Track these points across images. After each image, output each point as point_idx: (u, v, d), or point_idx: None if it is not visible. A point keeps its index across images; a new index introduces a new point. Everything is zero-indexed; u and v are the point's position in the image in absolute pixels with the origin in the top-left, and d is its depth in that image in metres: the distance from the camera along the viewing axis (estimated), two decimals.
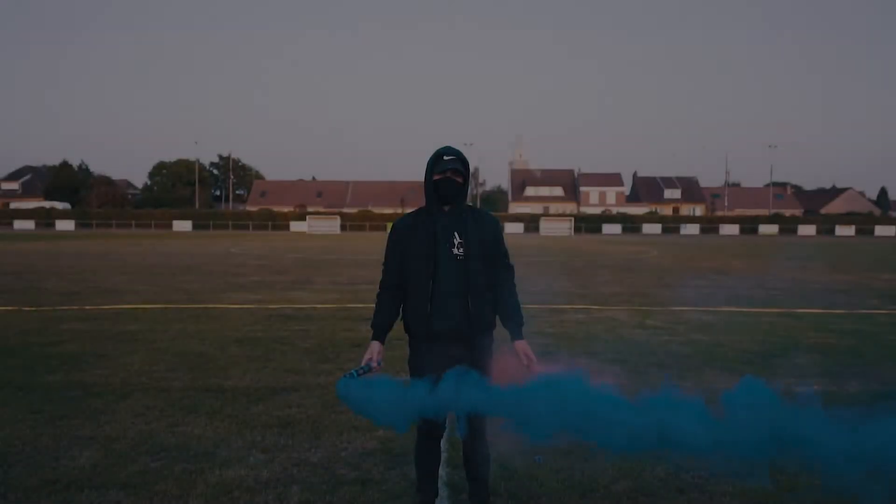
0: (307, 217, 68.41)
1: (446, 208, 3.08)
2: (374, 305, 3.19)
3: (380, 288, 3.17)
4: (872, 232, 68.88)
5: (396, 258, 3.11)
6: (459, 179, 3.05)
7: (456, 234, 3.04)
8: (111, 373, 6.01)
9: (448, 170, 3.02)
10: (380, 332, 3.12)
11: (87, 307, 10.21)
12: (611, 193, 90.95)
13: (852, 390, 5.64)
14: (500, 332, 3.18)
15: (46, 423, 4.56)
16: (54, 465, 3.84)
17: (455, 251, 3.01)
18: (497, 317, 3.15)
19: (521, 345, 3.06)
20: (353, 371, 2.87)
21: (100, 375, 5.91)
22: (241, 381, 5.76)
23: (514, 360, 3.03)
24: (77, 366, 6.27)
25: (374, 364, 2.98)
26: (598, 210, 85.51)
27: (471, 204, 3.24)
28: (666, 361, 6.61)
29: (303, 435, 4.40)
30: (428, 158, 3.08)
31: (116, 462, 3.89)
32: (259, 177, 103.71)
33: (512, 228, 65.76)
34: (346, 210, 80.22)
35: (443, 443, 3.75)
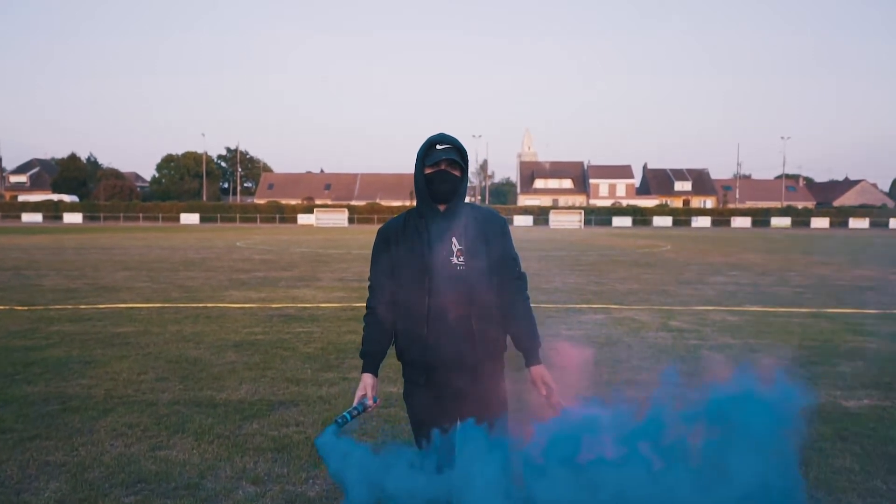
0: (315, 210, 68.04)
1: (442, 208, 2.49)
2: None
3: (367, 308, 2.57)
4: (887, 224, 67.85)
5: (384, 271, 2.53)
6: (456, 172, 2.45)
7: (454, 239, 2.44)
8: (95, 383, 5.55)
9: (442, 160, 2.42)
10: (371, 363, 2.53)
11: (82, 306, 9.77)
12: (621, 186, 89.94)
13: None
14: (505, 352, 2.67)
15: (15, 446, 4.09)
16: (15, 501, 3.37)
17: (454, 260, 2.43)
18: (508, 338, 2.58)
19: (538, 370, 2.48)
20: (345, 414, 2.32)
21: (83, 386, 5.44)
22: (235, 394, 5.28)
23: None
24: (60, 374, 5.81)
25: (370, 402, 2.44)
26: (607, 202, 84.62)
27: (472, 201, 2.66)
28: (698, 370, 6.09)
29: (300, 461, 3.91)
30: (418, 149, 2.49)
31: (86, 497, 3.41)
32: (267, 169, 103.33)
33: (521, 221, 65.11)
34: (354, 203, 79.75)
35: None
